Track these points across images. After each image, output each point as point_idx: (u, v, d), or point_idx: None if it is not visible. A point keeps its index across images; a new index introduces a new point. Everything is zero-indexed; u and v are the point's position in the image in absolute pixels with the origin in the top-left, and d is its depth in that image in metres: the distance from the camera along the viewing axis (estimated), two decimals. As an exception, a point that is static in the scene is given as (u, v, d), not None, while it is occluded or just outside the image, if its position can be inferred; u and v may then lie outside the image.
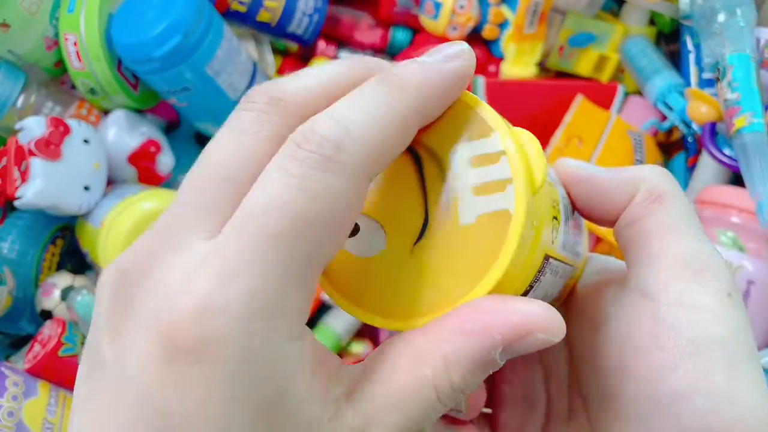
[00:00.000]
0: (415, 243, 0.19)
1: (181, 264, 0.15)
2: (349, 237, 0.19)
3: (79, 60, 0.54)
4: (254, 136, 0.17)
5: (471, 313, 0.17)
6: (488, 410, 0.25)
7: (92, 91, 0.56)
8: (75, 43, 0.54)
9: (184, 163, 0.63)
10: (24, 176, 0.50)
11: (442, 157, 0.19)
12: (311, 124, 0.16)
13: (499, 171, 0.18)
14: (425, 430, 0.22)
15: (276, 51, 0.67)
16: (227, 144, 0.17)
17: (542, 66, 0.64)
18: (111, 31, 0.54)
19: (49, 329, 0.53)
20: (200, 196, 0.16)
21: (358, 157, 0.16)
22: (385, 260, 0.19)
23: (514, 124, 0.21)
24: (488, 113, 0.19)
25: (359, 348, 0.60)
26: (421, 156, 0.19)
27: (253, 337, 0.15)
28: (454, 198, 0.18)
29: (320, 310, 0.60)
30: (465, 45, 0.19)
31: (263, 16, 0.61)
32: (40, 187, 0.50)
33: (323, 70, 0.18)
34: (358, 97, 0.17)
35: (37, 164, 0.50)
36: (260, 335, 0.15)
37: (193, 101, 0.56)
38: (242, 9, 0.60)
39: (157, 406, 0.15)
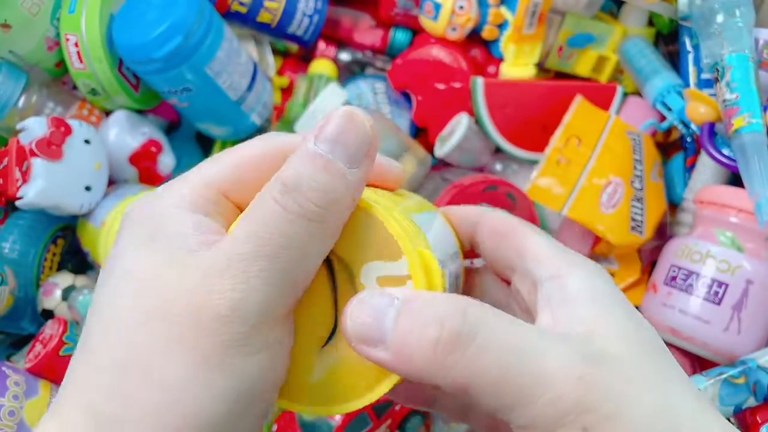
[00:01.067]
0: (324, 345, 0.21)
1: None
2: None
3: (80, 60, 0.54)
4: None
5: None
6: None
7: (93, 92, 0.56)
8: (76, 44, 0.54)
9: (184, 163, 0.63)
10: (25, 176, 0.50)
11: (353, 270, 0.21)
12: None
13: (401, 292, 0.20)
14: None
15: (276, 52, 0.67)
16: None
17: (541, 67, 0.64)
18: (112, 31, 0.54)
19: (50, 329, 0.53)
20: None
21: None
22: (295, 355, 0.21)
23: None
24: (397, 231, 0.20)
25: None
26: (333, 264, 0.21)
27: None
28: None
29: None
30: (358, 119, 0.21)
31: (263, 17, 0.61)
32: (42, 187, 0.50)
33: None
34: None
35: (38, 164, 0.50)
36: None
37: (194, 102, 0.56)
38: (243, 10, 0.60)
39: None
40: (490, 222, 0.26)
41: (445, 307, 0.20)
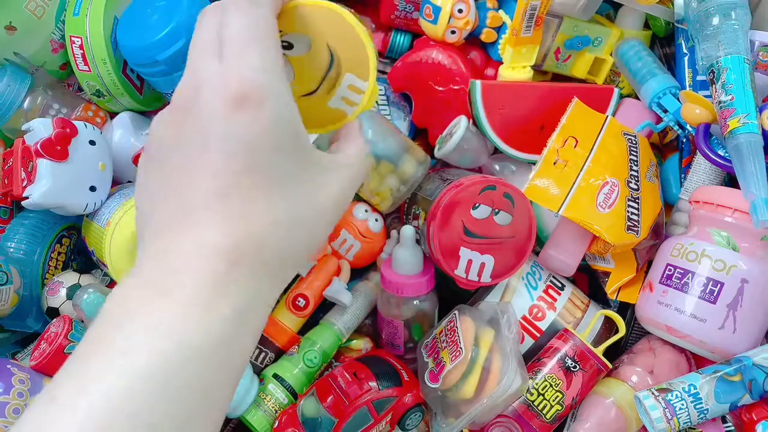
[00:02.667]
0: (303, 95, 0.33)
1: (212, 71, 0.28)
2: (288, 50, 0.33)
3: (85, 62, 0.55)
4: None
5: None
6: None
7: (98, 93, 0.57)
8: (81, 46, 0.54)
9: (187, 164, 0.63)
10: (31, 177, 0.51)
11: (341, 70, 0.33)
12: None
13: (358, 97, 0.34)
14: None
15: (277, 54, 0.68)
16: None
17: (539, 69, 0.65)
18: (116, 34, 0.54)
19: (55, 327, 0.54)
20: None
21: None
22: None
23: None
24: (373, 65, 0.33)
25: (359, 344, 0.61)
26: (335, 60, 0.33)
27: (280, 91, 0.27)
28: (332, 91, 0.34)
29: (321, 308, 0.61)
30: None
31: (265, 19, 0.62)
32: (47, 187, 0.50)
33: None
34: None
35: (43, 165, 0.51)
36: (282, 90, 0.27)
37: (197, 103, 0.57)
38: (245, 12, 0.61)
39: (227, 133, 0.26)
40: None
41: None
